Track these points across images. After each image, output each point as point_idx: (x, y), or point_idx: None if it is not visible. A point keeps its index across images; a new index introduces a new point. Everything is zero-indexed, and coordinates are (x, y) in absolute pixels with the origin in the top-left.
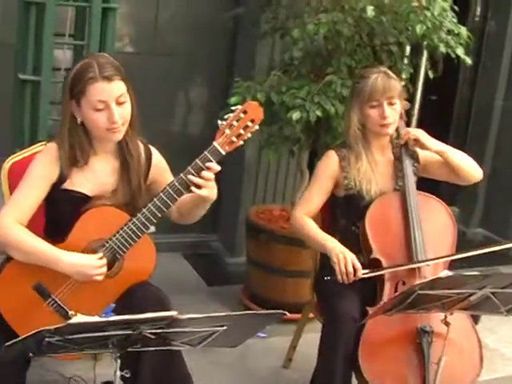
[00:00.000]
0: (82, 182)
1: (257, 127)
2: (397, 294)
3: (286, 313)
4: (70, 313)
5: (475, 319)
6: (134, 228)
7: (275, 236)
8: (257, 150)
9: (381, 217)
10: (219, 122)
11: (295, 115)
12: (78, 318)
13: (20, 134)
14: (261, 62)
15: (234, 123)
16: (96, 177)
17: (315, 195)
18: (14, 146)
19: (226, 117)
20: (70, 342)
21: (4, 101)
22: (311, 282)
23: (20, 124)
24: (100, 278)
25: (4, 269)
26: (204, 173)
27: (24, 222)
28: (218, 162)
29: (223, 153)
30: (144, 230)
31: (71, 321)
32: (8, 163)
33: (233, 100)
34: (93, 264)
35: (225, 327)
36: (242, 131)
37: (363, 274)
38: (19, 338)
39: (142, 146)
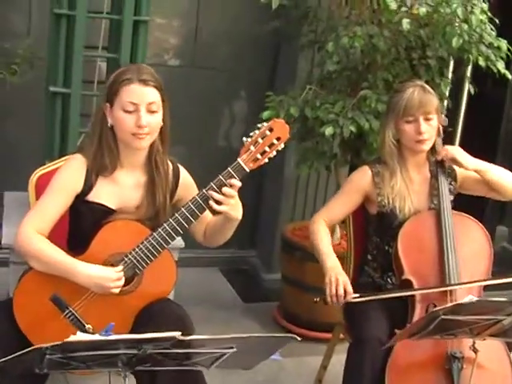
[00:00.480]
0: (107, 194)
1: (282, 146)
2: (419, 318)
3: (297, 337)
4: (87, 326)
5: (510, 346)
6: (154, 243)
7: (309, 254)
8: (296, 166)
9: (414, 236)
10: (244, 138)
11: (328, 130)
12: (76, 336)
13: (50, 146)
14: (301, 76)
15: (260, 140)
16: (121, 190)
17: (339, 205)
18: (44, 158)
19: (251, 134)
20: (73, 360)
21: (38, 113)
22: None
23: (50, 136)
24: (117, 290)
25: (23, 278)
26: (225, 189)
27: (45, 231)
28: (247, 177)
29: (247, 170)
30: (164, 245)
31: (68, 339)
32: (35, 175)
33: (265, 114)
34: (110, 276)
35: (234, 349)
36: (267, 149)
37: (353, 297)
38: (14, 355)
39: (170, 165)
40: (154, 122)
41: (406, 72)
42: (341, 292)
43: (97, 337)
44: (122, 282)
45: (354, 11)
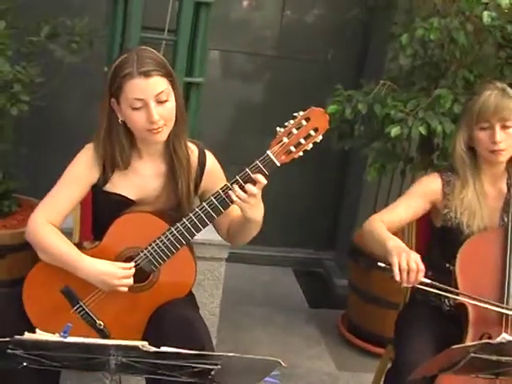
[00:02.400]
0: (125, 184)
1: (320, 138)
2: (442, 353)
3: (282, 363)
4: (98, 322)
5: None
6: (173, 238)
7: (376, 262)
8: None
9: (475, 256)
10: (278, 128)
11: (394, 131)
12: (29, 335)
13: None
14: (387, 69)
15: (294, 131)
16: (140, 180)
17: (401, 208)
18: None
19: (286, 123)
20: (43, 357)
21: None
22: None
23: None
24: (124, 289)
25: (34, 268)
26: (248, 186)
27: (56, 222)
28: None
29: (278, 164)
30: (183, 241)
31: (17, 337)
32: None
33: (330, 109)
34: (115, 273)
35: (219, 366)
36: (302, 140)
37: (425, 280)
38: None
39: (196, 150)
40: (166, 111)
41: (491, 72)
42: (413, 266)
43: (52, 337)
44: (130, 280)
45: (436, 1)
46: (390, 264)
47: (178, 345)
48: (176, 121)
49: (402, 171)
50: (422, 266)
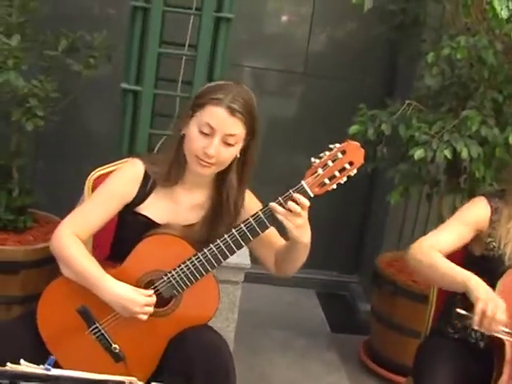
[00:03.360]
0: (158, 208)
1: (355, 171)
2: None
3: None
4: (114, 346)
5: None
6: (198, 264)
7: (401, 288)
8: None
9: None
10: (312, 159)
11: (418, 154)
12: (12, 365)
13: (119, 144)
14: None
15: (330, 163)
16: (174, 207)
17: (448, 234)
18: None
19: (321, 154)
20: None
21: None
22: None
23: (120, 134)
24: (144, 317)
25: (50, 285)
26: (290, 203)
27: (84, 236)
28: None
29: (311, 195)
30: (209, 268)
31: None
32: (93, 176)
33: (352, 129)
34: (137, 300)
35: None
36: (337, 173)
37: (504, 329)
38: None
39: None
40: (224, 154)
41: None
42: (500, 316)
43: (35, 370)
44: (151, 309)
45: (466, 19)
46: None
47: (205, 370)
48: (241, 177)
49: (427, 195)
50: (503, 318)
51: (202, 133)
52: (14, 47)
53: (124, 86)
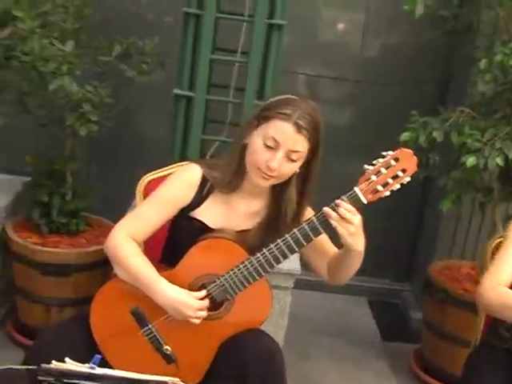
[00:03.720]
0: (213, 214)
1: (408, 179)
2: None
3: None
4: (165, 347)
5: None
6: (252, 269)
7: (452, 297)
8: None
9: None
10: (365, 166)
11: (470, 161)
12: (57, 364)
13: (171, 150)
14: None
15: (383, 170)
16: (229, 213)
17: (507, 263)
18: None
19: (374, 162)
20: None
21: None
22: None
23: (172, 140)
24: (196, 321)
25: (105, 286)
26: (341, 210)
27: (140, 239)
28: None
29: (364, 201)
30: (262, 272)
31: (45, 365)
32: (145, 179)
33: (404, 136)
34: (190, 304)
35: None
36: (390, 180)
37: None
38: None
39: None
40: (286, 169)
41: None
42: None
43: (80, 368)
44: (205, 313)
45: None
46: None
47: (259, 375)
48: (302, 192)
49: (480, 203)
50: None
51: (266, 145)
52: (68, 53)
53: (177, 91)
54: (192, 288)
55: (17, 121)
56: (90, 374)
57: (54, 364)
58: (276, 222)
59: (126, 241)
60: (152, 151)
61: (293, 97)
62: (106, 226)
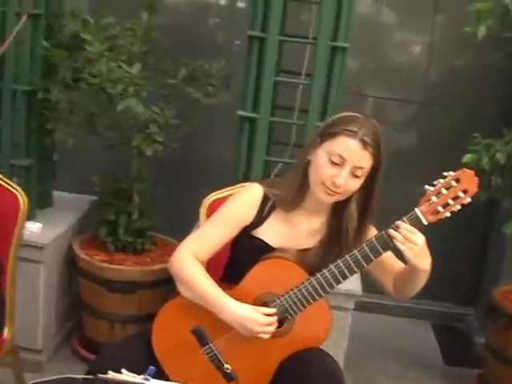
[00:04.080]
0: (274, 233)
1: (468, 200)
2: None
3: None
4: (226, 366)
5: None
6: (311, 289)
7: None
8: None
9: None
10: (426, 186)
11: None
12: (113, 374)
13: (235, 171)
14: None
15: (443, 191)
16: (291, 231)
17: None
18: (228, 183)
19: (435, 182)
20: None
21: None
22: None
23: (237, 160)
24: (265, 336)
25: (167, 304)
26: (403, 230)
27: (203, 258)
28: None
29: (425, 222)
30: (322, 292)
31: (101, 375)
32: (210, 199)
33: (466, 158)
34: (258, 319)
35: None
36: (450, 201)
37: None
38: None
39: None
40: (350, 185)
41: None
42: None
43: (134, 379)
44: (272, 328)
45: None
46: None
47: None
48: (364, 209)
49: None
50: None
51: (331, 162)
52: (135, 75)
53: (241, 113)
54: (255, 305)
55: (85, 142)
56: None
57: (111, 374)
58: (337, 239)
59: (191, 260)
60: (216, 172)
61: (356, 114)
62: (171, 246)
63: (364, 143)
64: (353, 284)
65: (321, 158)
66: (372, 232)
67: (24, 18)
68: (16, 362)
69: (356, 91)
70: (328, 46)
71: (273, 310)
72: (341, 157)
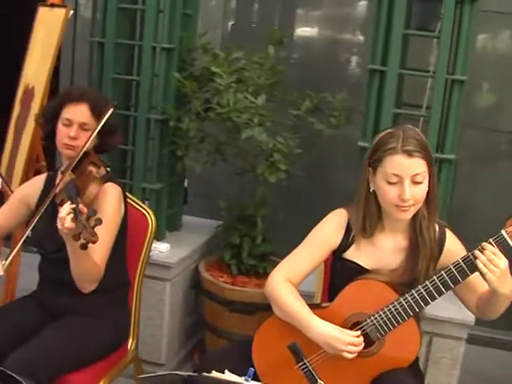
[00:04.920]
0: (363, 254)
1: None
2: None
3: None
4: (319, 382)
5: None
6: (401, 309)
7: None
8: None
9: None
10: None
11: None
12: (217, 373)
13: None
14: None
15: None
16: (378, 253)
17: None
18: None
19: None
20: None
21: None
22: None
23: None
24: (349, 355)
25: (266, 321)
26: (487, 252)
27: (294, 281)
28: None
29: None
30: (411, 313)
31: (204, 373)
32: None
33: None
34: (342, 339)
35: None
36: None
37: None
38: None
39: (437, 229)
40: (418, 193)
41: None
42: None
43: (237, 378)
44: (358, 348)
45: None
46: None
47: None
48: (429, 206)
49: None
50: None
51: (390, 183)
52: (260, 106)
53: (361, 144)
54: (346, 325)
55: (212, 169)
56: None
57: (214, 373)
58: (417, 247)
59: (283, 283)
60: (337, 200)
61: (388, 130)
62: None
63: (408, 152)
64: (465, 313)
65: (380, 184)
66: (455, 242)
67: (111, 109)
68: (138, 373)
69: (489, 126)
70: (445, 79)
71: (357, 333)
72: (395, 175)
